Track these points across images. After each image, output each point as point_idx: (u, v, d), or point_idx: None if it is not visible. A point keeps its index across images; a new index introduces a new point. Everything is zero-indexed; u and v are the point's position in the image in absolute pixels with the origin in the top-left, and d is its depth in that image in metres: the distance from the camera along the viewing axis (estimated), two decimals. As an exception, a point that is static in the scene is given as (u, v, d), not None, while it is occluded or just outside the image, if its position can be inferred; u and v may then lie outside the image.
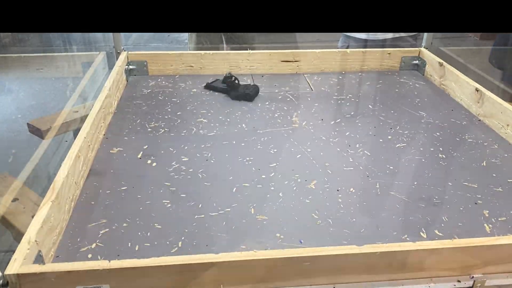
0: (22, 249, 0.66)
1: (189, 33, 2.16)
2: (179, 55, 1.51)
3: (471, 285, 0.71)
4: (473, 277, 0.71)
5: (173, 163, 1.00)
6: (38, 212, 0.73)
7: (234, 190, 0.91)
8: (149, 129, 1.15)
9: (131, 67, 1.50)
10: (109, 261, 0.64)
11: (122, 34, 1.56)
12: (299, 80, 1.51)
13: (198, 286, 0.67)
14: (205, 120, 1.21)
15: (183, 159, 1.02)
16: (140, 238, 0.78)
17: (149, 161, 1.01)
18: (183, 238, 0.78)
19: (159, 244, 0.76)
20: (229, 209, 0.85)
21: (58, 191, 0.78)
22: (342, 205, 0.87)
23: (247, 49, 1.55)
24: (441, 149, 1.08)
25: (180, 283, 0.66)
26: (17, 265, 0.63)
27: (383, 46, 1.70)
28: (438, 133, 1.15)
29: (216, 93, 1.38)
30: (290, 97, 1.37)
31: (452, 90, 1.39)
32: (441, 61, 1.47)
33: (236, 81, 1.35)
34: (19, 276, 0.62)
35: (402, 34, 1.80)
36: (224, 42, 2.16)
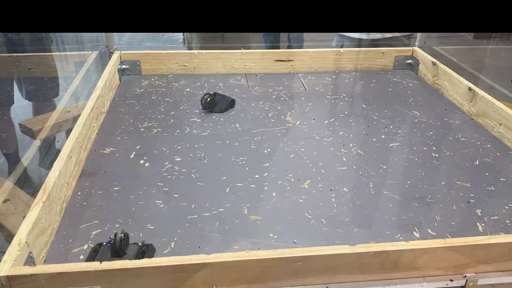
0: (13, 250, 0.65)
1: (188, 33, 2.15)
2: (172, 54, 1.51)
3: (463, 284, 0.71)
4: (465, 276, 0.71)
5: (166, 163, 1.00)
6: (29, 213, 0.72)
7: (227, 190, 0.91)
8: (142, 129, 1.15)
9: (124, 66, 1.49)
10: (101, 263, 0.63)
11: (115, 33, 1.55)
12: (293, 79, 1.51)
13: (191, 287, 0.66)
14: (198, 120, 1.20)
15: (176, 159, 1.01)
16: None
17: (141, 161, 1.00)
18: (175, 238, 0.77)
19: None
20: (222, 209, 0.85)
21: (49, 191, 0.78)
22: (335, 205, 0.87)
23: (240, 48, 1.54)
24: (434, 148, 1.08)
25: (173, 284, 0.66)
26: (7, 266, 0.63)
27: (377, 46, 1.70)
28: (431, 132, 1.16)
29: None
30: (284, 96, 1.37)
31: (445, 89, 1.40)
32: (434, 60, 1.48)
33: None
34: (9, 278, 0.62)
35: (396, 34, 1.81)
36: (223, 42, 2.15)
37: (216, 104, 1.25)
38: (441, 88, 1.42)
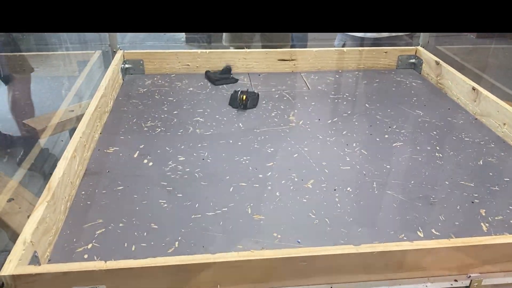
0: (18, 250, 0.65)
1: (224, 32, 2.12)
2: (175, 54, 1.51)
3: (468, 285, 0.71)
4: (470, 276, 0.71)
5: (169, 163, 1.00)
6: (33, 213, 0.73)
7: (231, 190, 0.91)
8: (145, 129, 1.15)
9: (127, 66, 1.49)
10: (105, 262, 0.64)
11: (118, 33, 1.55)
12: (296, 79, 1.51)
13: (195, 287, 0.66)
14: (201, 119, 1.20)
15: (179, 159, 1.01)
16: (136, 238, 0.77)
17: (145, 161, 1.01)
18: (179, 238, 0.77)
19: (156, 244, 0.76)
20: (226, 209, 0.85)
21: (53, 191, 0.78)
22: (339, 205, 0.87)
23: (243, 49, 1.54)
24: (437, 148, 1.08)
25: (177, 283, 0.66)
26: (12, 266, 0.63)
27: (379, 44, 1.70)
28: (434, 132, 1.15)
29: (214, 89, 1.37)
30: (287, 96, 1.37)
31: (448, 89, 1.40)
32: (438, 59, 1.47)
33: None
34: (14, 277, 0.62)
35: (399, 33, 1.80)
36: (259, 40, 2.13)
37: (248, 99, 1.25)
38: (445, 88, 1.42)
